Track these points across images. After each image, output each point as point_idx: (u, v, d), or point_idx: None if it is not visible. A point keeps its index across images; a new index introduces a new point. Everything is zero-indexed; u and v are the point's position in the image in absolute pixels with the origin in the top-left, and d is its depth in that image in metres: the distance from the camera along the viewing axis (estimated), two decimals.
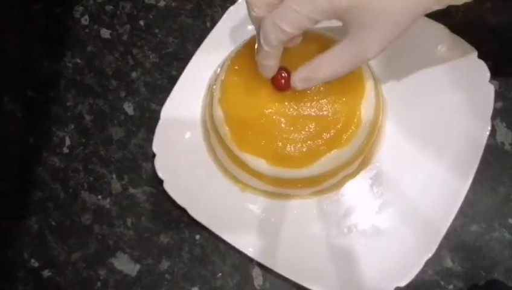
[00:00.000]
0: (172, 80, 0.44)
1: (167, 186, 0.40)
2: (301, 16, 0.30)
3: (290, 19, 0.30)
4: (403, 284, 0.36)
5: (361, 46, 0.31)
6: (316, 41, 0.39)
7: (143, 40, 0.47)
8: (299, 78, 0.34)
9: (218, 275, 0.41)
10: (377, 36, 0.31)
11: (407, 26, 0.31)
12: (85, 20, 0.48)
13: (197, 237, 0.41)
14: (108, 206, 0.43)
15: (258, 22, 0.33)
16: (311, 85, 0.35)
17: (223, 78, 0.40)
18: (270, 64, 0.34)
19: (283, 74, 0.36)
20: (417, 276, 0.37)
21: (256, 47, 0.35)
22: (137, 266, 0.41)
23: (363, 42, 0.31)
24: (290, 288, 0.39)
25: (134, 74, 0.46)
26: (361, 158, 0.40)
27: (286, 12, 0.30)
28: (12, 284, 0.41)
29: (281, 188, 0.40)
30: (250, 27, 0.44)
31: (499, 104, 0.42)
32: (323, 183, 0.40)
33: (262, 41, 0.32)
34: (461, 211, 0.38)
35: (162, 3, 0.48)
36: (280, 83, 0.36)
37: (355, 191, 0.41)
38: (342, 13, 0.30)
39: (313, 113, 0.37)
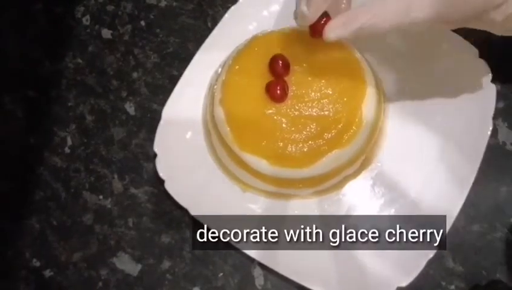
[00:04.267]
0: (174, 80, 0.44)
1: (168, 186, 0.40)
2: None
3: None
4: (404, 284, 0.36)
5: (406, 2, 0.29)
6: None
7: (144, 40, 0.47)
8: (335, 24, 0.31)
9: (219, 275, 0.41)
10: (422, 6, 0.29)
11: (459, 13, 0.29)
12: (86, 20, 0.48)
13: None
14: (109, 206, 0.43)
15: None
16: (343, 34, 0.31)
17: (224, 78, 0.40)
18: (318, 1, 0.31)
19: (279, 85, 0.37)
20: (418, 276, 0.36)
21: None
22: (139, 266, 0.41)
23: (405, 5, 0.29)
24: (291, 288, 0.39)
25: (135, 74, 0.46)
26: (363, 158, 0.40)
27: None
28: (14, 284, 0.41)
29: (282, 188, 0.40)
30: (251, 27, 0.44)
31: (501, 104, 0.42)
32: (325, 183, 0.40)
33: None
34: (463, 211, 0.38)
35: (163, 3, 0.48)
36: (275, 93, 0.37)
37: (357, 191, 0.41)
38: None
39: (314, 113, 0.37)
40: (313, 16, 0.32)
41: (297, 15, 0.33)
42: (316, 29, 0.33)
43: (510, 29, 0.31)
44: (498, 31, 0.31)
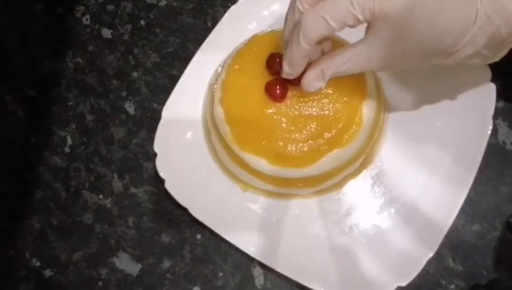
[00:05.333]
0: (173, 80, 0.44)
1: (168, 185, 0.40)
2: (347, 10, 0.31)
3: (335, 12, 0.31)
4: (404, 283, 0.36)
5: (368, 54, 0.32)
6: None
7: (144, 40, 0.47)
8: (308, 79, 0.34)
9: (219, 275, 0.41)
10: (382, 53, 0.32)
11: (413, 61, 0.33)
12: (86, 20, 0.48)
13: (198, 236, 0.41)
14: (109, 205, 0.43)
15: (295, 17, 0.33)
16: (318, 86, 0.35)
17: (223, 77, 0.40)
18: (299, 62, 0.34)
19: (278, 85, 0.37)
20: (418, 275, 0.36)
21: (283, 47, 0.35)
22: (139, 266, 0.41)
23: (370, 52, 0.32)
24: (291, 287, 0.39)
25: (135, 74, 0.46)
26: (363, 158, 0.40)
27: (332, 5, 0.31)
28: (14, 284, 0.41)
29: (282, 187, 0.40)
30: (251, 26, 0.44)
31: (501, 104, 0.42)
32: (325, 183, 0.40)
33: (301, 36, 0.32)
34: (463, 211, 0.38)
35: (163, 3, 0.48)
36: (275, 93, 0.37)
37: (357, 191, 0.41)
38: (379, 17, 0.31)
39: (314, 113, 0.37)
40: (296, 74, 0.35)
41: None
42: (292, 81, 0.36)
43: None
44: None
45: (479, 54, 0.32)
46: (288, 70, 0.35)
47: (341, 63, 0.33)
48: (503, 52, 0.33)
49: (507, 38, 0.31)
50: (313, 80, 0.34)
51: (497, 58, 0.34)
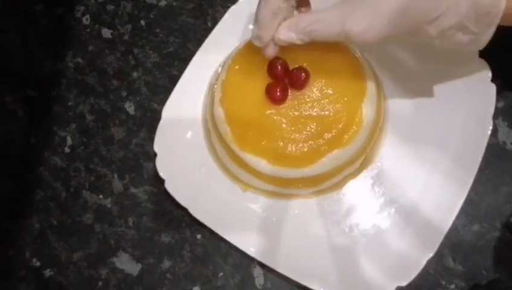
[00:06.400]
0: (174, 80, 0.44)
1: (168, 185, 0.40)
2: None
3: None
4: (404, 283, 0.36)
5: (342, 14, 0.32)
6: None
7: (144, 40, 0.47)
8: (286, 25, 0.34)
9: (219, 275, 0.41)
10: (356, 19, 0.31)
11: (390, 28, 0.31)
12: (86, 20, 0.48)
13: (198, 236, 0.42)
14: (109, 205, 0.43)
15: None
16: (290, 35, 0.34)
17: (223, 77, 0.40)
18: (267, 23, 0.34)
19: (279, 88, 0.37)
20: (418, 275, 0.37)
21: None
22: (139, 266, 0.41)
23: (341, 15, 0.32)
24: (291, 287, 0.39)
25: (135, 74, 0.46)
26: (363, 158, 0.40)
27: None
28: (14, 284, 0.41)
29: (282, 187, 0.40)
30: (251, 27, 0.44)
31: (501, 104, 0.42)
32: (325, 183, 0.40)
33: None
34: (463, 211, 0.38)
35: (163, 3, 0.48)
36: (275, 95, 0.37)
37: (357, 191, 0.41)
38: None
39: (314, 113, 0.37)
40: (265, 37, 0.34)
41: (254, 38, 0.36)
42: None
43: (449, 47, 0.33)
44: (438, 46, 0.34)
45: (464, 28, 0.31)
46: (257, 33, 0.34)
47: (315, 19, 0.33)
48: (491, 30, 0.32)
49: (491, 9, 0.30)
50: (285, 28, 0.34)
51: (486, 36, 0.32)
